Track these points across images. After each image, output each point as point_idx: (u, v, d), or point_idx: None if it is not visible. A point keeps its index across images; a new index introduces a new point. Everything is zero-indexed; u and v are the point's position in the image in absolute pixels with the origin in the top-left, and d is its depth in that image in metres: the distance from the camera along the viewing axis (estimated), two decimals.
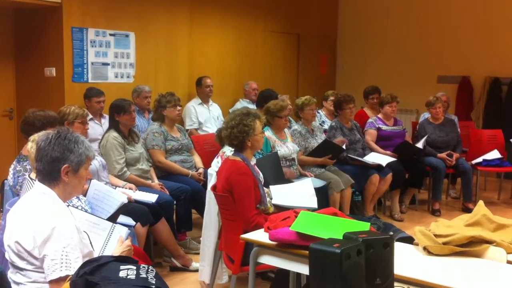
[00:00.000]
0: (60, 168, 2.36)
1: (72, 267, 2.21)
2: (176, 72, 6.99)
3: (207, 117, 6.72)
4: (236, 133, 3.60)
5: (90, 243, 2.41)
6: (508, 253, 2.64)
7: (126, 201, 3.52)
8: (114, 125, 4.75)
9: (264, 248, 2.93)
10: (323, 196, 5.09)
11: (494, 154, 6.70)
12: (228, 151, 4.10)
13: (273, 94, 6.03)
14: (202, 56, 7.29)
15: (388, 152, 6.18)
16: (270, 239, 2.85)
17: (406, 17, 8.93)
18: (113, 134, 4.66)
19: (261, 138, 3.76)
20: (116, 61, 6.31)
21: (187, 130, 6.09)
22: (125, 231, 2.67)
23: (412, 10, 8.88)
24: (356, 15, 9.45)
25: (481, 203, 3.03)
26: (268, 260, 2.93)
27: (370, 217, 3.82)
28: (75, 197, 3.06)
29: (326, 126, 6.30)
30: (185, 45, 7.06)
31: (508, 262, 2.60)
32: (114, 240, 2.61)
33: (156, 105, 5.21)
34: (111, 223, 2.66)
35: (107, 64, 6.21)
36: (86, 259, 2.25)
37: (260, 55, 8.17)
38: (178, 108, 5.19)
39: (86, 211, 3.05)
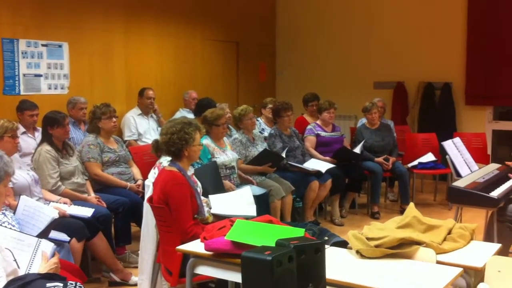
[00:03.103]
0: None
1: None
2: (113, 82, 6.87)
3: (146, 128, 6.63)
4: (176, 139, 3.57)
5: (15, 260, 2.32)
6: (437, 253, 2.72)
7: (57, 216, 3.42)
8: (47, 138, 4.60)
9: (200, 258, 2.90)
10: (264, 203, 5.12)
11: (429, 157, 6.92)
12: (165, 161, 4.05)
13: (212, 102, 6.02)
14: (139, 65, 7.20)
15: (327, 158, 6.27)
16: (206, 249, 2.83)
17: (343, 26, 9.12)
18: (46, 147, 4.52)
19: (198, 150, 3.74)
20: (50, 72, 6.15)
21: (125, 141, 5.99)
22: (50, 246, 2.58)
23: (348, 19, 9.08)
24: (293, 23, 9.58)
25: (411, 205, 3.11)
26: (205, 270, 2.91)
27: (306, 223, 3.86)
28: (1, 212, 2.94)
29: (265, 134, 6.33)
30: (122, 55, 6.96)
31: (438, 262, 2.68)
32: (41, 256, 2.53)
33: (91, 117, 5.10)
34: (36, 239, 2.56)
35: (40, 75, 6.04)
36: (11, 277, 2.16)
37: (199, 63, 8.15)
38: (114, 119, 5.10)
39: (13, 226, 2.94)
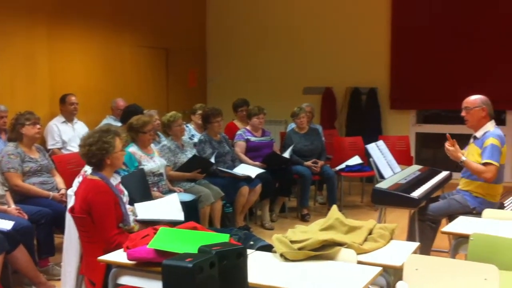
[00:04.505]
0: None
1: None
2: (36, 90, 6.64)
3: (71, 135, 6.44)
4: (95, 150, 3.47)
5: None
6: (358, 253, 2.79)
7: None
8: None
9: (123, 268, 2.84)
10: (193, 210, 5.07)
11: (356, 160, 7.08)
12: (90, 169, 3.95)
13: (138, 109, 5.92)
14: (64, 72, 6.99)
15: (257, 162, 6.31)
16: (129, 258, 2.78)
17: (273, 32, 9.25)
18: None
19: (122, 156, 3.66)
20: None
21: (48, 150, 5.79)
22: None
23: (278, 25, 9.21)
24: (224, 29, 9.61)
25: (334, 207, 3.18)
26: (128, 280, 2.85)
27: (231, 229, 3.86)
28: None
29: (195, 140, 6.30)
30: (45, 61, 6.73)
31: (359, 262, 2.75)
32: None
33: (13, 123, 4.91)
34: None
35: None
36: None
37: (127, 70, 8.01)
38: (38, 126, 4.94)
39: None
